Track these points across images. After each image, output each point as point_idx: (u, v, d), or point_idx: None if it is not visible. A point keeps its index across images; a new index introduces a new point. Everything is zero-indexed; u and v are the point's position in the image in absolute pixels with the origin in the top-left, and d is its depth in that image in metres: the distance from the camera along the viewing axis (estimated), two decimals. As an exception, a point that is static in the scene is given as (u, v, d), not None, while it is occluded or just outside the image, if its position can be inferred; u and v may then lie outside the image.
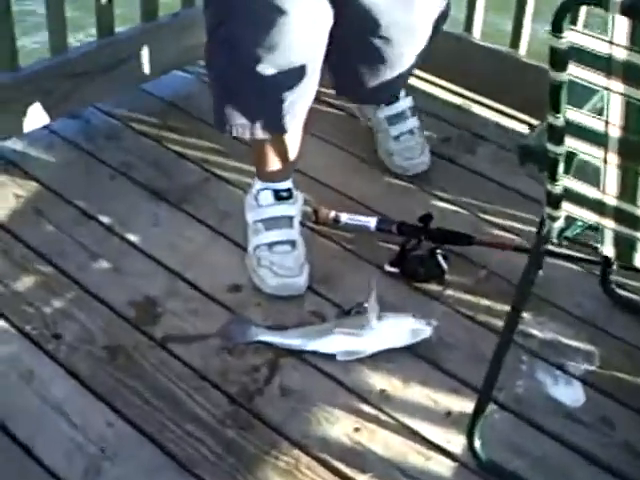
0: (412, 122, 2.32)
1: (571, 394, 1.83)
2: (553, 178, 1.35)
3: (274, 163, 2.00)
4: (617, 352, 1.89)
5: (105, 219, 2.14)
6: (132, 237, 2.10)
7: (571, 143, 1.30)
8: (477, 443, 1.65)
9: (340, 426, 1.71)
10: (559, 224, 1.43)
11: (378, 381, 1.80)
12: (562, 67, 1.22)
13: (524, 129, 2.53)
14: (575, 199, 1.37)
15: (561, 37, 1.19)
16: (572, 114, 1.27)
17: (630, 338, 1.91)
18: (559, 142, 1.31)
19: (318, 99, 2.04)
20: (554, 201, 1.39)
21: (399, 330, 1.85)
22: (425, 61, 2.20)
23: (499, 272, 2.05)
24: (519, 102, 2.53)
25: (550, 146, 1.32)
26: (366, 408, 1.75)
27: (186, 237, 2.11)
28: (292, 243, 2.00)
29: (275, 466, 1.63)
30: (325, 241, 2.14)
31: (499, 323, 1.87)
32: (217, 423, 1.70)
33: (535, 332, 1.94)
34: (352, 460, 1.65)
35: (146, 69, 2.51)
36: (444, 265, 2.01)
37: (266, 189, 2.02)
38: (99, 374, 1.77)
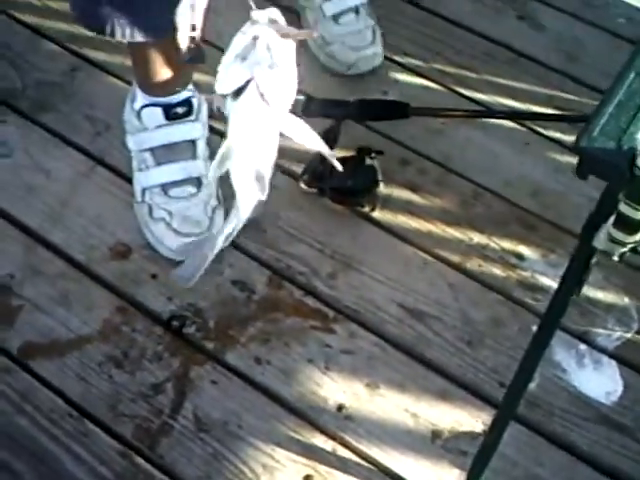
0: None
1: (604, 381, 1.31)
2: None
3: (163, 71, 1.33)
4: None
5: None
6: (-31, 178, 1.47)
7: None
8: (483, 501, 1.15)
9: (285, 475, 1.19)
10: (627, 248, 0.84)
11: (333, 391, 1.27)
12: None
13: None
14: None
15: None
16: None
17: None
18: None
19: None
20: (632, 227, 0.80)
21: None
22: None
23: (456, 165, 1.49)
24: None
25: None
26: (319, 440, 1.22)
27: (48, 171, 1.48)
28: (197, 182, 1.38)
29: None
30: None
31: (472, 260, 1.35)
32: (106, 491, 1.17)
33: (546, 281, 1.40)
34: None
35: None
36: (378, 173, 1.40)
37: (152, 105, 1.37)
38: None
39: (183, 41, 1.01)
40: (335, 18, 1.59)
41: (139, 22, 1.24)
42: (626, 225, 0.82)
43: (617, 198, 0.77)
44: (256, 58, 0.84)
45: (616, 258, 0.85)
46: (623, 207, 0.78)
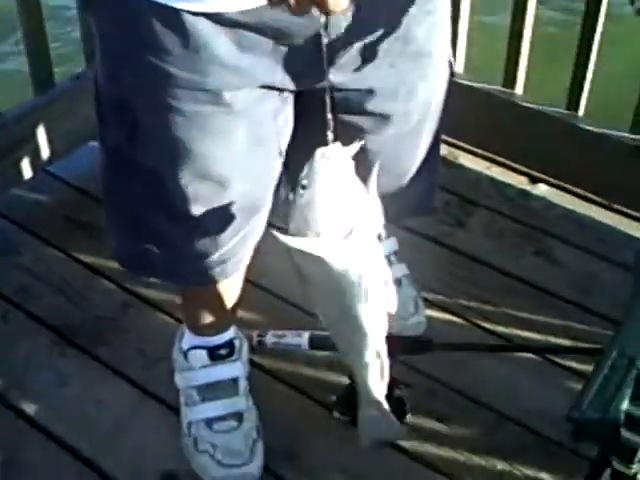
0: (398, 269, 1.70)
1: None
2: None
3: (207, 314, 1.49)
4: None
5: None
6: (29, 409, 1.60)
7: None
8: None
9: None
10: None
11: None
12: None
13: (524, 185, 2.04)
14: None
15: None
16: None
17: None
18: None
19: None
20: None
21: None
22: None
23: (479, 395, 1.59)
24: (516, 151, 2.04)
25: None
26: None
27: (100, 402, 1.61)
28: (238, 416, 1.50)
29: None
30: (270, 381, 1.63)
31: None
32: None
33: (568, 508, 1.47)
34: None
35: (46, 150, 1.98)
36: (406, 404, 1.47)
37: (197, 347, 1.51)
38: None
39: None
40: None
41: (184, 269, 1.35)
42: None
43: (609, 459, 0.88)
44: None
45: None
46: (616, 465, 0.90)
